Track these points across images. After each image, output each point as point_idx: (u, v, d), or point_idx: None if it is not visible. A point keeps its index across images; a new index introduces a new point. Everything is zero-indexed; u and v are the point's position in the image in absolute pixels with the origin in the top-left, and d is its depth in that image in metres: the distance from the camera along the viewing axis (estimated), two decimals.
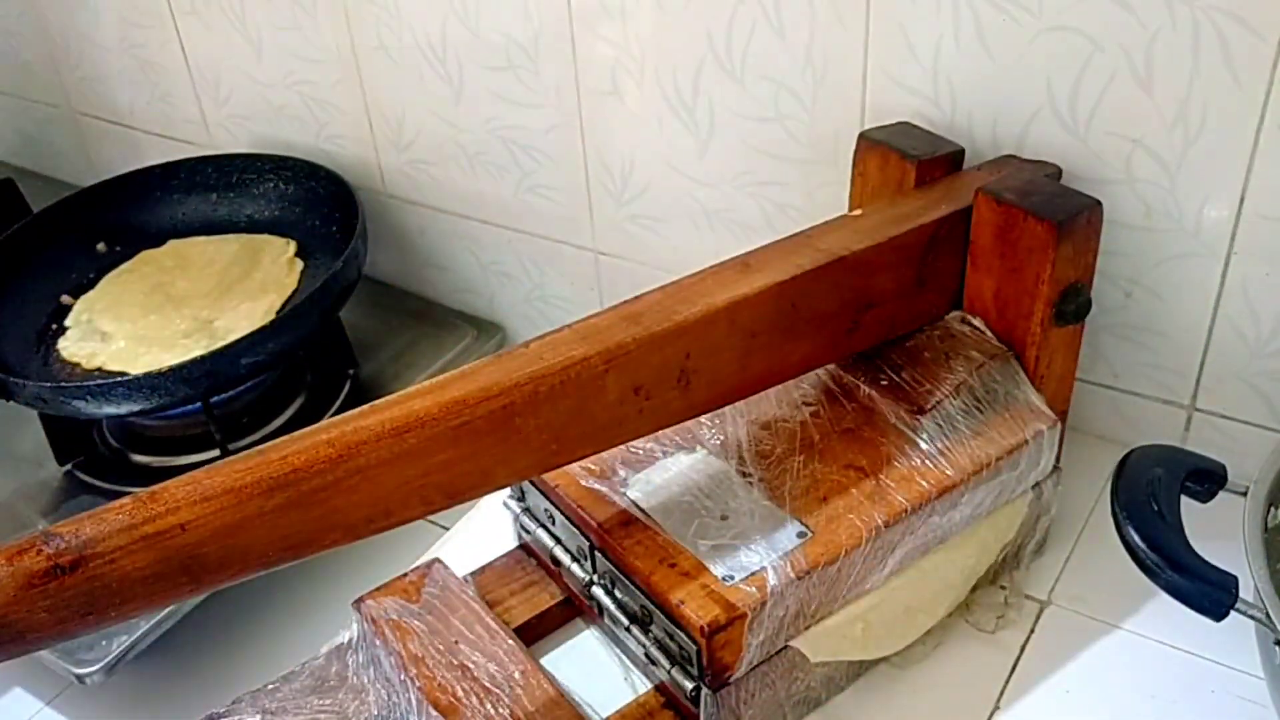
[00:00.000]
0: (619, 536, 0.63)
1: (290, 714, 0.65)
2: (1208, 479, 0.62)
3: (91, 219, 1.14)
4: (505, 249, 1.09)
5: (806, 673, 0.64)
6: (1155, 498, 0.59)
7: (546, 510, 0.70)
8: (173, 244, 1.14)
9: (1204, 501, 0.62)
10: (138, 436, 1.02)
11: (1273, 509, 0.60)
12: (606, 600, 0.66)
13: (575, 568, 0.68)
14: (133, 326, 1.03)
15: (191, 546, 0.47)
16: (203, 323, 1.03)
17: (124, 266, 1.12)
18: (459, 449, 0.54)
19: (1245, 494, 0.60)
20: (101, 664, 0.83)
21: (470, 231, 1.10)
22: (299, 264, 1.09)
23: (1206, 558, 0.56)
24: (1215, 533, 0.60)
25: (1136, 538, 0.58)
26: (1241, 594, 0.55)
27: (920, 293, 0.70)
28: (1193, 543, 0.57)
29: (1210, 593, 0.56)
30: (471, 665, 0.65)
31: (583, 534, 0.66)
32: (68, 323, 1.06)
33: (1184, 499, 0.60)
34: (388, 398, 0.53)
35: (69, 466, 1.00)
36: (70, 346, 1.03)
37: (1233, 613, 0.56)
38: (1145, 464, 0.61)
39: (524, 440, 0.56)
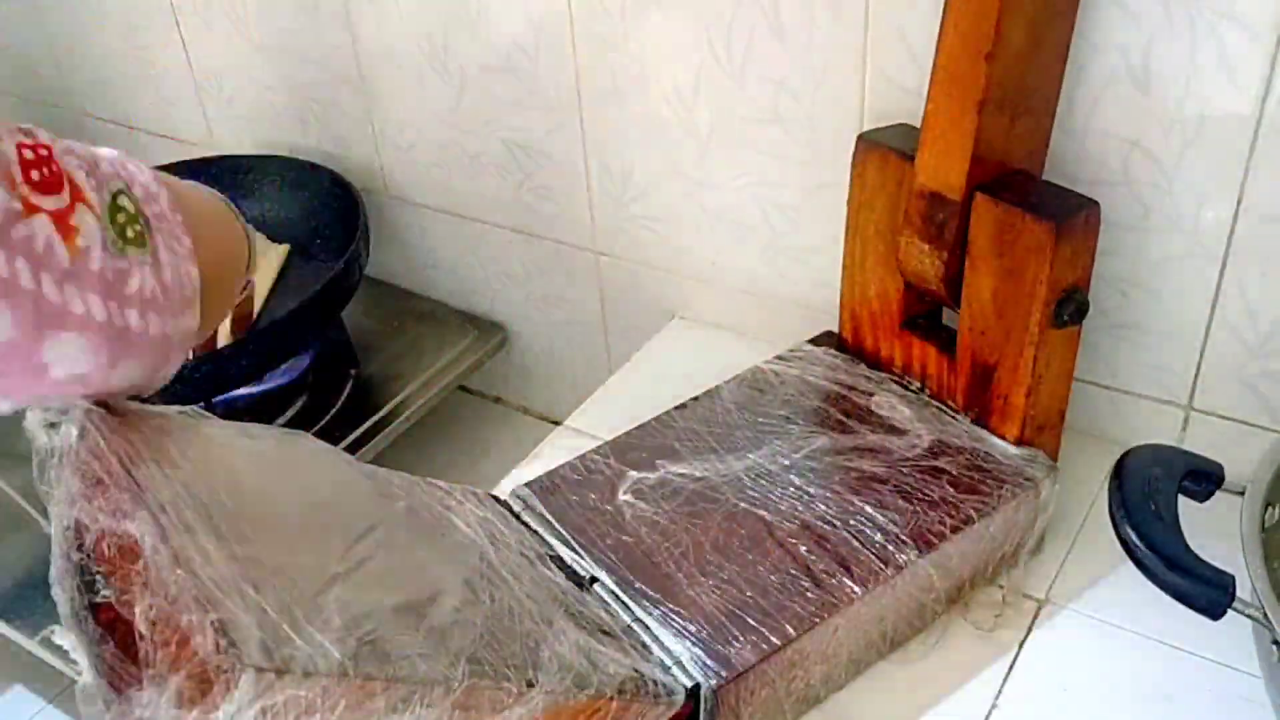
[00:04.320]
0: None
1: None
2: (1205, 479, 0.62)
3: None
4: (506, 249, 1.09)
5: (806, 671, 0.64)
6: (1153, 497, 0.59)
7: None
8: None
9: (1201, 501, 0.62)
10: None
11: (1270, 508, 0.61)
12: (607, 594, 0.66)
13: (578, 563, 0.68)
14: None
15: None
16: None
17: None
18: None
19: (1242, 494, 0.60)
20: None
21: (471, 232, 1.10)
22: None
23: (1204, 557, 0.57)
24: (1212, 532, 0.60)
25: (1134, 537, 0.58)
26: (1240, 594, 0.56)
27: None
28: (1190, 542, 0.58)
29: (1208, 592, 0.56)
30: None
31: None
32: None
33: (1181, 499, 0.61)
34: None
35: None
36: None
37: (1230, 611, 0.56)
38: (1143, 464, 0.61)
39: None
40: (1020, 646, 0.70)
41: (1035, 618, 0.72)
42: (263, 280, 1.07)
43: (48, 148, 0.45)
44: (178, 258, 0.50)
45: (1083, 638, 0.70)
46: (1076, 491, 0.78)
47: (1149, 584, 0.70)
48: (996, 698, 0.67)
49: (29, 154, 0.44)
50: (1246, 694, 0.66)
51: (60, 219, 0.44)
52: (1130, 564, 0.66)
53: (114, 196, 0.48)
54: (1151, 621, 0.70)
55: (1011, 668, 0.69)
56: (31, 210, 0.43)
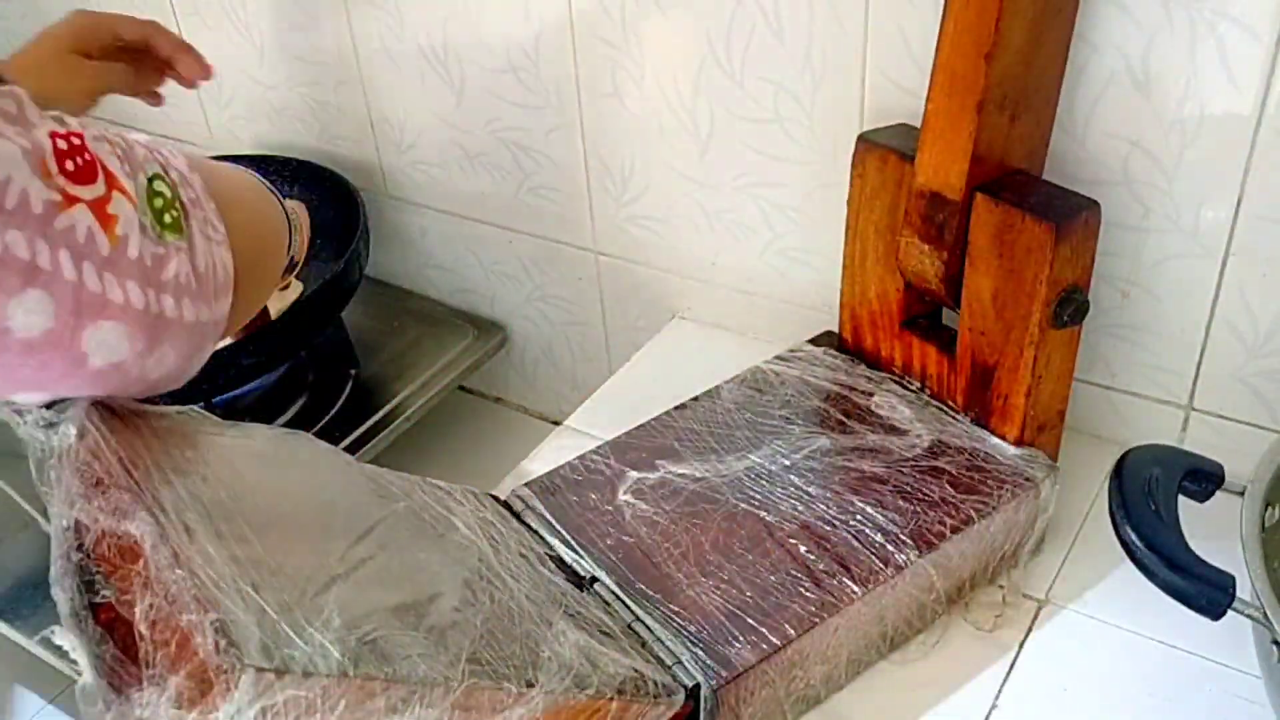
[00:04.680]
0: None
1: None
2: (1205, 479, 0.62)
3: None
4: (506, 249, 1.09)
5: (806, 671, 0.64)
6: (1153, 497, 0.59)
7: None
8: None
9: (1201, 501, 0.62)
10: None
11: (1270, 508, 0.61)
12: (608, 595, 0.66)
13: (578, 563, 0.68)
14: None
15: None
16: None
17: None
18: None
19: (1242, 494, 0.60)
20: None
21: (471, 232, 1.10)
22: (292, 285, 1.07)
23: (1204, 557, 0.57)
24: (1213, 533, 0.60)
25: (1134, 537, 0.58)
26: (1241, 595, 0.56)
27: None
28: (1190, 542, 0.57)
29: (1207, 592, 0.56)
30: None
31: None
32: None
33: (1181, 499, 0.61)
34: None
35: None
36: None
37: (1230, 611, 0.56)
38: (1143, 463, 0.61)
39: None
40: (1020, 647, 0.70)
41: (1035, 618, 0.72)
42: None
43: (79, 135, 0.45)
44: (212, 244, 0.50)
45: (1083, 638, 0.70)
46: (1076, 492, 0.78)
47: (1149, 584, 0.70)
48: (996, 698, 0.67)
49: (62, 144, 0.44)
50: (1246, 694, 0.66)
51: (98, 208, 0.44)
52: (1130, 564, 0.66)
53: (150, 181, 0.48)
54: (1151, 621, 0.70)
55: (1011, 668, 0.69)
56: (71, 201, 0.43)
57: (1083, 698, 0.67)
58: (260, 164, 1.15)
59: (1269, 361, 0.75)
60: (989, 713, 0.67)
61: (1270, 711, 0.60)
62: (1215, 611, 0.56)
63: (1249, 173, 0.70)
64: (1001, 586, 0.73)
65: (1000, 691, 0.68)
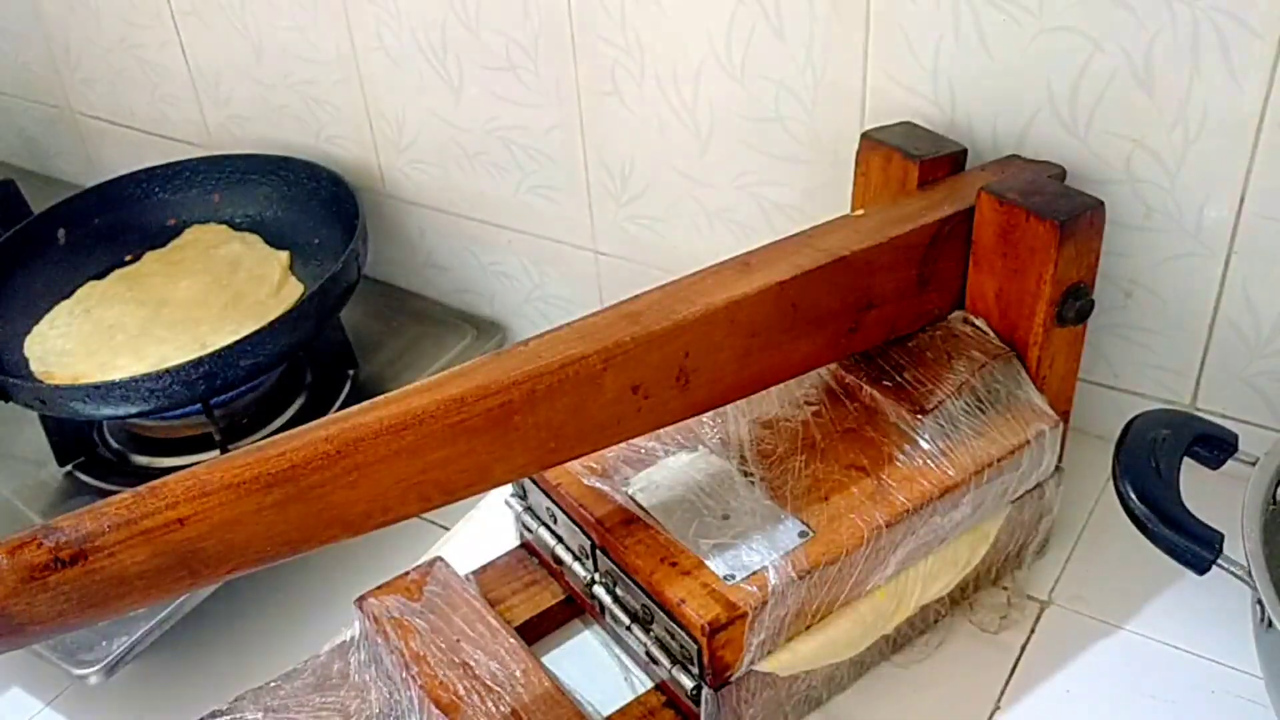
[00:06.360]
0: (620, 535, 0.63)
1: (292, 711, 0.65)
2: (1217, 445, 0.62)
3: (92, 220, 1.14)
4: (505, 249, 1.09)
5: (808, 671, 0.64)
6: (1156, 456, 0.60)
7: (548, 509, 0.69)
8: (150, 256, 1.13)
9: (1213, 468, 0.62)
10: (138, 438, 1.02)
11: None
12: (607, 599, 0.66)
13: (577, 566, 0.68)
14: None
15: (190, 541, 0.47)
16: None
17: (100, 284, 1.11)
18: (456, 446, 0.54)
19: (1255, 464, 0.61)
20: (102, 664, 0.82)
21: (470, 232, 1.10)
22: (292, 284, 1.08)
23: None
24: (1229, 517, 0.60)
25: (1129, 490, 0.59)
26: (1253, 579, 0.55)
27: (922, 293, 0.70)
28: (1204, 516, 0.58)
29: (1194, 546, 0.57)
30: (473, 663, 0.64)
31: (584, 532, 0.66)
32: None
33: (1200, 469, 0.62)
34: (386, 395, 0.53)
35: (69, 468, 1.00)
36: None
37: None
38: (1152, 425, 0.62)
39: (521, 438, 0.56)
40: (1023, 648, 0.70)
41: (1038, 619, 0.71)
42: (267, 291, 1.06)
43: None
44: None
45: (1086, 639, 0.70)
46: (1079, 492, 0.78)
47: (1151, 585, 0.70)
48: (999, 699, 0.67)
49: None
50: (1249, 695, 0.66)
51: None
52: (1133, 565, 0.66)
53: None
54: (1154, 623, 0.70)
55: (1014, 669, 0.69)
56: None
57: (1085, 699, 0.67)
58: (258, 164, 1.15)
59: (1272, 361, 0.75)
60: (991, 714, 0.66)
61: (1271, 713, 0.60)
62: (1200, 566, 0.57)
63: (1252, 171, 0.70)
64: (1005, 588, 0.72)
65: (1003, 693, 0.67)
